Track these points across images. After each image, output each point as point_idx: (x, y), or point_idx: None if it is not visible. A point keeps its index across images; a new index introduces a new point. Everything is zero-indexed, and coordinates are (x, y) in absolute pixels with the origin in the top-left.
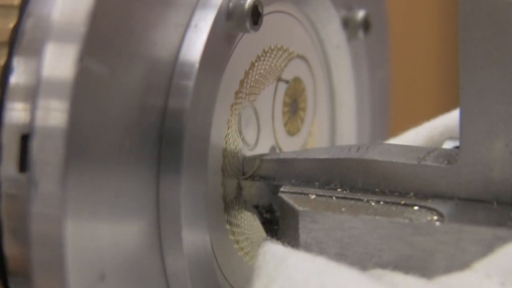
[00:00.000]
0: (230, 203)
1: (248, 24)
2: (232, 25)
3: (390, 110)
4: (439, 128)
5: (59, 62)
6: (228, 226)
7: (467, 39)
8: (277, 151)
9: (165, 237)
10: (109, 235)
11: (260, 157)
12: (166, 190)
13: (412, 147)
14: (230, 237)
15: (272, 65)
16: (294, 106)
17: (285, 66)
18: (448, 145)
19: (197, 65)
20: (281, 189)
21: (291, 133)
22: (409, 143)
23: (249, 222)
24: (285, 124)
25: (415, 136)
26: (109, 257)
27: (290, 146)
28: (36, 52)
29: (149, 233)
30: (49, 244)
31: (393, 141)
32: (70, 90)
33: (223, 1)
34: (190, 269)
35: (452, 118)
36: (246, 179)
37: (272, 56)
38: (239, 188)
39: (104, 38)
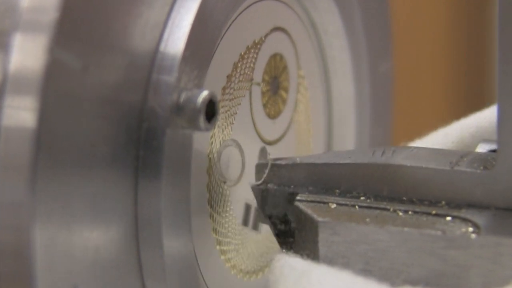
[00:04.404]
0: (216, 210)
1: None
2: (182, 123)
3: (392, 105)
4: (471, 129)
5: (27, 55)
6: (214, 235)
7: (507, 27)
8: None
9: (144, 247)
10: (82, 244)
11: (272, 162)
12: (145, 196)
13: (442, 150)
14: (216, 247)
15: (250, 65)
16: (274, 85)
17: (256, 59)
18: (483, 148)
19: (179, 58)
20: (298, 198)
21: (272, 116)
22: (439, 146)
23: (237, 231)
24: (268, 115)
25: (444, 138)
26: (82, 268)
27: (276, 129)
28: (2, 45)
29: (127, 242)
30: (16, 255)
31: (420, 143)
32: (39, 86)
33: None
34: (171, 282)
35: (485, 117)
36: (257, 186)
37: (250, 53)
38: (227, 193)
39: (77, 28)
